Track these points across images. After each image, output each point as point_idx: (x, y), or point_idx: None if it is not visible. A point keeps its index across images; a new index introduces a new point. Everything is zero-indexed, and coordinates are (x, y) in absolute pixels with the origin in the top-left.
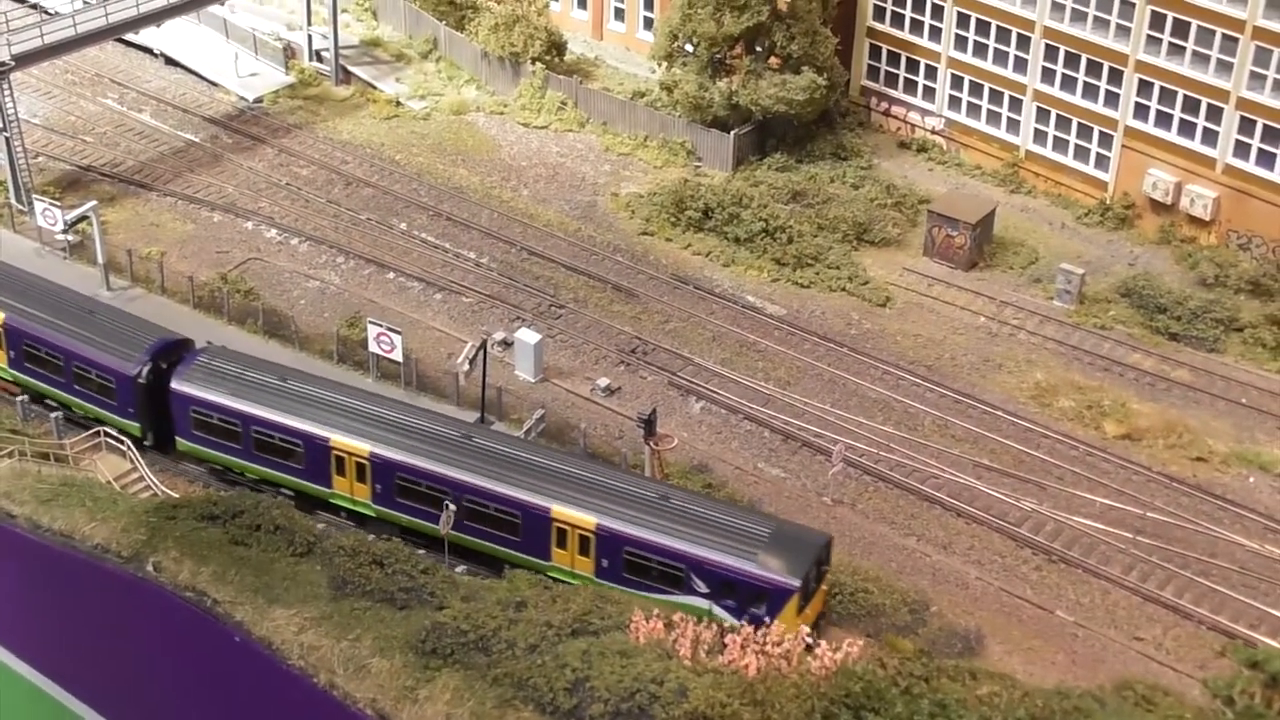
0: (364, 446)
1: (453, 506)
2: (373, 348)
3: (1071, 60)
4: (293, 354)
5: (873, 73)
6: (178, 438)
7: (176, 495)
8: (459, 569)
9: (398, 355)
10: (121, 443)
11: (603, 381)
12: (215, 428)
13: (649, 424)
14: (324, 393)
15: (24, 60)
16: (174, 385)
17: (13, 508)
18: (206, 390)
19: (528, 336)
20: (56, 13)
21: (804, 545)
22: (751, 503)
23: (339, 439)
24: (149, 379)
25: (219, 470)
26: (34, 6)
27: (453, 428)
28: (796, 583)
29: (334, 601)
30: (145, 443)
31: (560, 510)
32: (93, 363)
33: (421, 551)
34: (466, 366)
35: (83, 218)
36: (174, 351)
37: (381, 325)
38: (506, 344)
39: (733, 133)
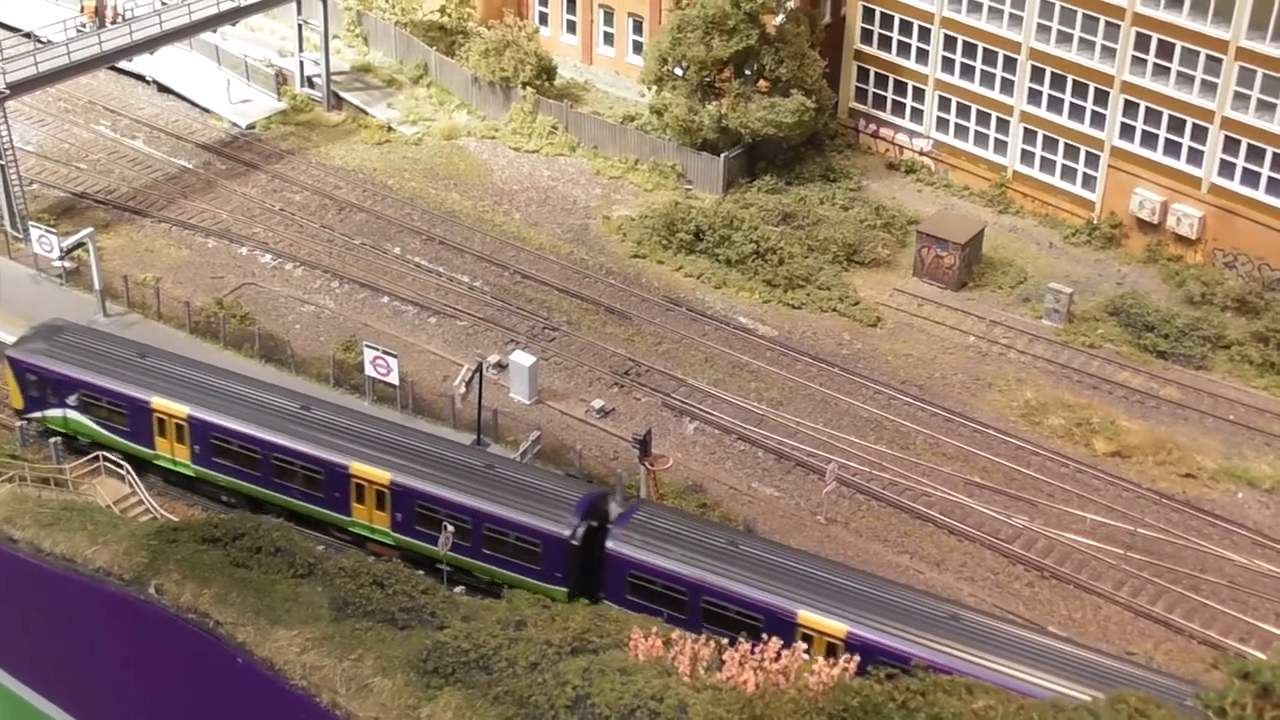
0: (840, 626)
1: (451, 528)
2: (369, 371)
3: (1057, 82)
4: (290, 377)
5: (861, 95)
6: (606, 601)
7: (176, 519)
8: (457, 589)
9: (394, 378)
10: (120, 467)
11: (597, 403)
12: (656, 594)
13: (644, 445)
14: (783, 560)
15: (19, 88)
16: (610, 546)
17: (14, 532)
18: (648, 553)
19: (522, 359)
20: (49, 41)
21: None
22: (746, 523)
23: (808, 615)
24: (583, 541)
25: None
26: (28, 35)
27: (937, 608)
28: None
29: (335, 622)
30: None
31: None
32: (513, 524)
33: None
34: (463, 389)
35: (79, 244)
36: (599, 507)
37: (378, 349)
38: (501, 366)
39: (722, 155)
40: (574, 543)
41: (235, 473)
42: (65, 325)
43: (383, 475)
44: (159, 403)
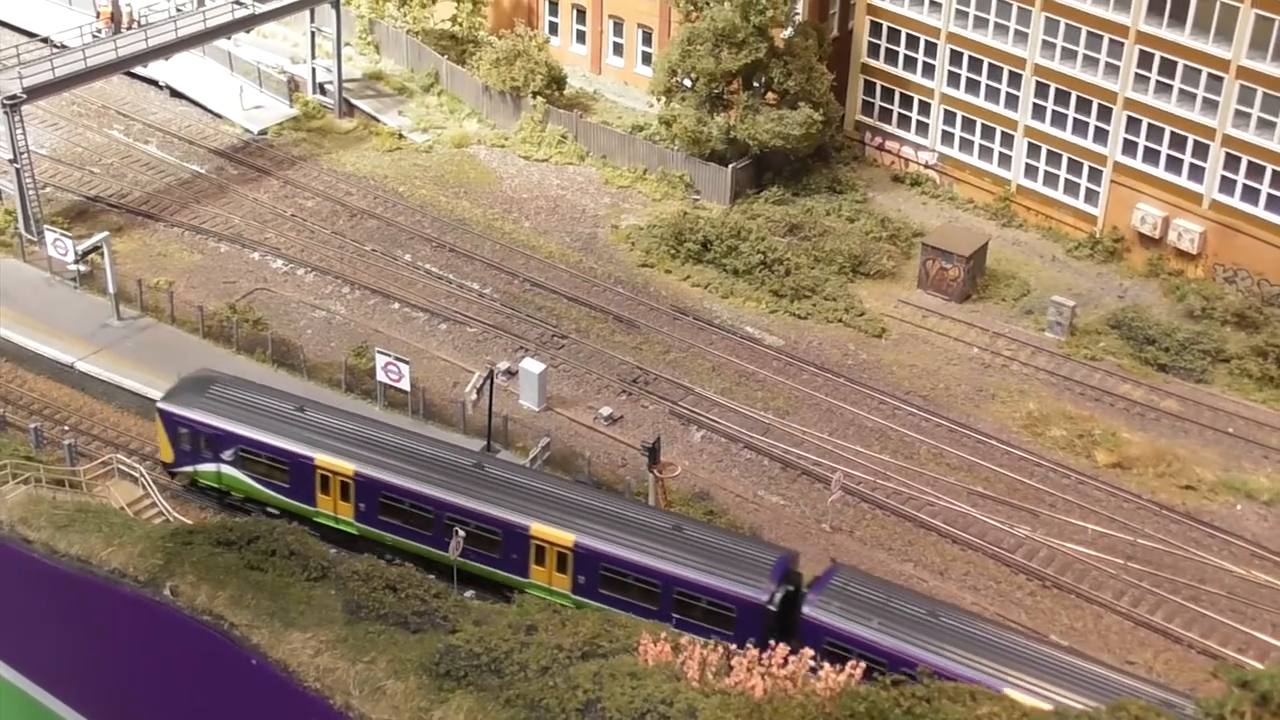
0: (1048, 707)
1: (462, 533)
2: (380, 377)
3: (1061, 97)
4: (301, 382)
5: (867, 108)
6: None
7: (189, 521)
8: (468, 594)
9: (405, 384)
10: (134, 469)
11: (605, 410)
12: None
13: (653, 452)
14: (985, 633)
15: (35, 93)
16: (807, 613)
17: (29, 533)
18: (847, 621)
19: (532, 366)
20: (64, 45)
21: None
22: (752, 530)
23: (1014, 695)
24: (780, 606)
25: None
26: (45, 40)
27: (1151, 694)
28: None
29: (349, 625)
30: None
31: None
32: (707, 589)
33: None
34: (474, 396)
35: (95, 248)
36: (792, 570)
37: (390, 355)
38: (511, 374)
39: (730, 166)
40: (771, 608)
41: (403, 532)
42: (216, 376)
43: (566, 537)
44: (323, 459)
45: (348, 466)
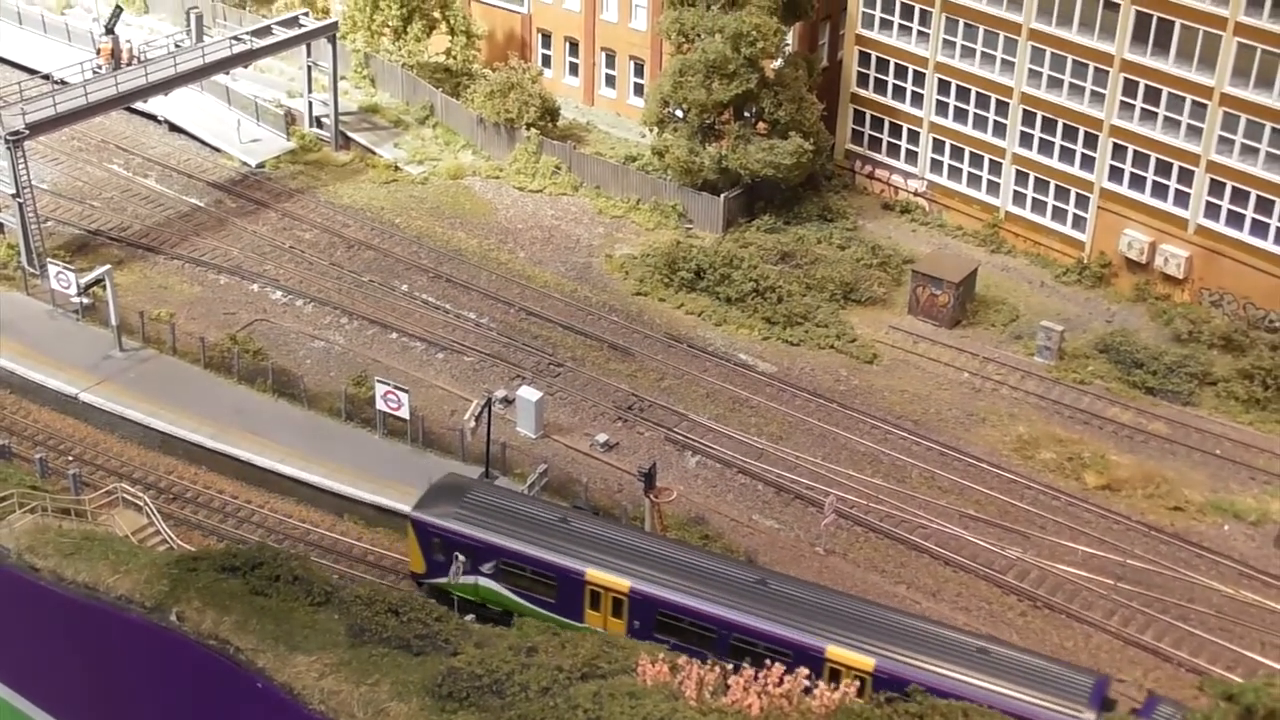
0: None
1: (462, 558)
2: (380, 406)
3: (1048, 125)
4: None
5: (857, 137)
6: None
7: (193, 548)
8: (467, 617)
9: (404, 413)
10: (138, 498)
11: (601, 437)
12: None
13: (649, 478)
14: None
15: (37, 128)
16: None
17: (36, 561)
18: None
19: (529, 394)
20: (65, 82)
21: None
22: (747, 553)
23: None
24: None
25: None
26: (46, 77)
27: None
28: None
29: (352, 648)
30: None
31: None
32: (1024, 718)
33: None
34: (473, 424)
35: (97, 281)
36: (1107, 696)
37: (389, 384)
38: (508, 401)
39: (722, 196)
40: None
41: (682, 651)
42: (468, 483)
43: (865, 662)
44: (595, 574)
45: (622, 583)
